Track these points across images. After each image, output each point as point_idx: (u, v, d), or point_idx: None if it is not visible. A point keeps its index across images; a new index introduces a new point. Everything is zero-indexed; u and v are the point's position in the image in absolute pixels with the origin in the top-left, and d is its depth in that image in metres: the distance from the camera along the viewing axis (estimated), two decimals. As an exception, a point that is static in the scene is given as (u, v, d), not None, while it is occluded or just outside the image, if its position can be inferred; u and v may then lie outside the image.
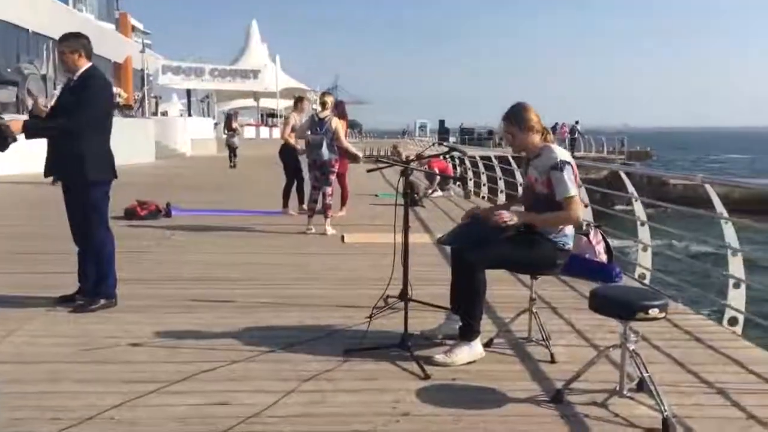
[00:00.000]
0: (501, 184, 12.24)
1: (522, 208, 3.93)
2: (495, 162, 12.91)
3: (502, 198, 12.09)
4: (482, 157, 14.37)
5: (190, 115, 38.10)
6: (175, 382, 3.28)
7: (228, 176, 18.34)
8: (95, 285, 4.59)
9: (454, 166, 14.93)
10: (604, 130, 53.86)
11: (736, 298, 4.67)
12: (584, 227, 6.40)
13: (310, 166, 8.15)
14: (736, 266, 4.72)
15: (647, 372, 3.00)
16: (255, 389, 3.22)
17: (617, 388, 3.12)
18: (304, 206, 9.32)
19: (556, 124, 39.39)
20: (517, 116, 3.72)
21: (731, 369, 3.65)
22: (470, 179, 14.86)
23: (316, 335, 4.05)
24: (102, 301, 4.55)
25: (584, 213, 3.63)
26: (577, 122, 38.50)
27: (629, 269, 6.35)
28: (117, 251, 4.73)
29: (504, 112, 3.77)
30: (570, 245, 3.73)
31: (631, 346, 3.04)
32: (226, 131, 23.31)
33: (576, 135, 37.09)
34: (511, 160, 11.30)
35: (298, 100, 9.75)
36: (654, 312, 2.91)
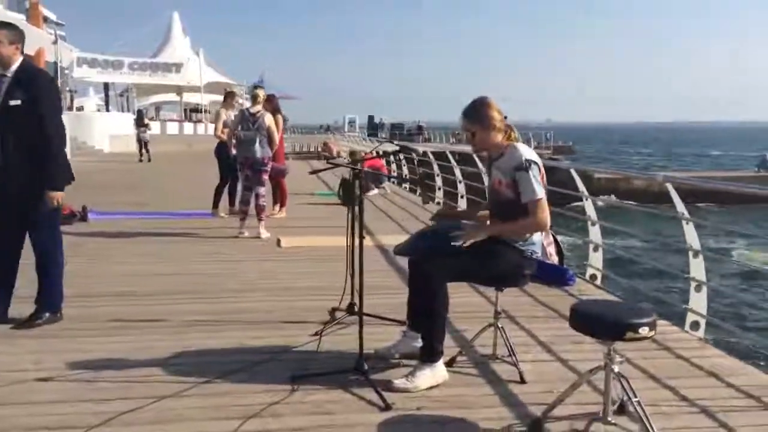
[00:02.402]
0: (461, 188, 10.52)
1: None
2: (453, 162, 10.97)
3: (462, 204, 10.11)
4: (436, 155, 12.70)
5: (108, 110, 36.36)
6: (91, 427, 2.77)
7: (151, 175, 17.38)
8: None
9: (411, 163, 13.37)
10: (529, 125, 55.01)
11: (698, 301, 4.48)
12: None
13: (241, 165, 7.61)
14: (697, 268, 4.54)
15: (636, 396, 2.70)
16: (189, 432, 2.76)
17: (600, 414, 2.82)
18: (235, 207, 8.78)
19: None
20: (478, 113, 3.37)
21: (708, 383, 3.42)
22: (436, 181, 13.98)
23: (258, 359, 3.58)
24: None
25: (549, 217, 3.30)
26: (505, 117, 38.92)
27: (579, 270, 6.15)
28: (23, 262, 4.19)
29: (464, 108, 3.41)
30: (538, 253, 3.41)
31: (616, 368, 2.74)
32: (137, 127, 23.91)
33: (504, 130, 37.47)
34: (475, 158, 10.29)
35: (228, 95, 9.19)
36: (644, 331, 2.61)
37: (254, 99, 7.60)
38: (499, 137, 3.40)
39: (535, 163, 3.29)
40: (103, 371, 3.39)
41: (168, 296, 4.95)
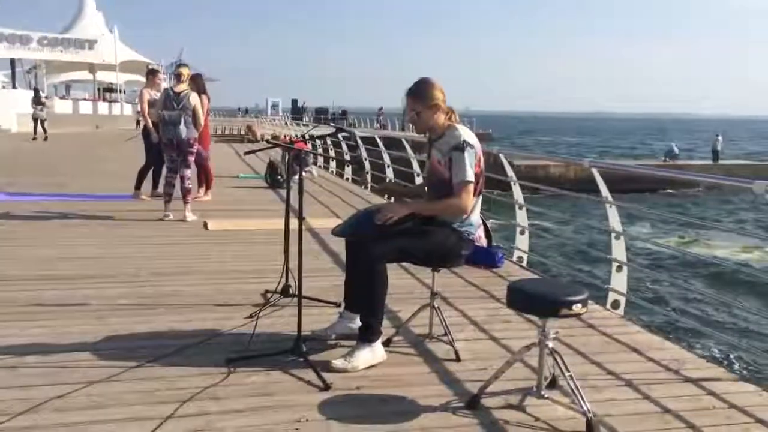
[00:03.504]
0: (390, 172, 10.70)
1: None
2: (381, 146, 11.27)
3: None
4: (364, 139, 12.66)
5: (14, 87, 34.44)
6: (16, 414, 2.64)
7: (66, 155, 16.58)
8: None
9: (338, 147, 13.34)
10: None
11: (619, 281, 4.70)
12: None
13: (165, 147, 7.38)
14: (618, 250, 4.75)
15: (569, 371, 2.81)
16: (123, 418, 2.66)
17: (533, 388, 2.92)
18: (158, 190, 8.51)
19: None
20: (422, 92, 3.39)
21: (631, 357, 3.59)
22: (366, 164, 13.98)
23: (191, 343, 3.50)
24: None
25: (472, 202, 3.37)
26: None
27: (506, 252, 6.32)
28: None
29: (408, 88, 3.42)
30: (475, 235, 3.49)
31: (550, 344, 2.84)
32: (33, 104, 23.19)
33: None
34: (405, 143, 10.15)
35: (150, 73, 8.85)
36: (577, 307, 2.71)
37: (178, 77, 7.36)
38: (442, 117, 3.44)
39: (472, 146, 3.34)
40: (27, 357, 3.23)
41: (91, 280, 4.76)
